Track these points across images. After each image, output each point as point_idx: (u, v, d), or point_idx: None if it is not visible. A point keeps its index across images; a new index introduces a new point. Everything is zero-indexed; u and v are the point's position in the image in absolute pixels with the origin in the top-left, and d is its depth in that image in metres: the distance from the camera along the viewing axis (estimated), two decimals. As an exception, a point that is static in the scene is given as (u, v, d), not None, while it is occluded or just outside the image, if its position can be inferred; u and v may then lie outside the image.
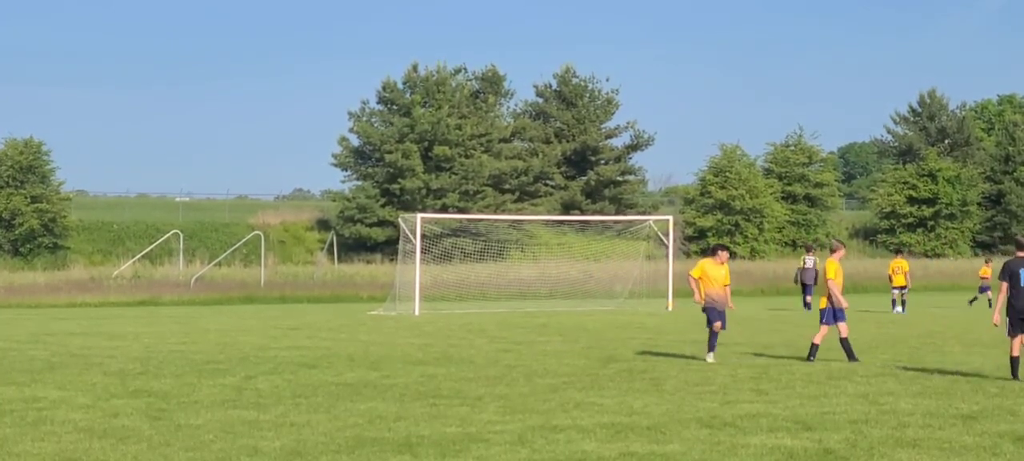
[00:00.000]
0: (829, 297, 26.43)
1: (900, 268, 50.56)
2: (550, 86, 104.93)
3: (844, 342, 26.43)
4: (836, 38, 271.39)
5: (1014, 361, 22.24)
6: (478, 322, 41.36)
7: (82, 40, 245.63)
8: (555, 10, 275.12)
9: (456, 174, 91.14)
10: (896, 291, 50.02)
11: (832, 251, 27.56)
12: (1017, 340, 22.20)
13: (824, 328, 26.59)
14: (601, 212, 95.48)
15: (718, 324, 26.50)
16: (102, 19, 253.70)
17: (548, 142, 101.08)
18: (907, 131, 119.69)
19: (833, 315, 26.45)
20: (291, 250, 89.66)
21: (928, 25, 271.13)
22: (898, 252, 56.22)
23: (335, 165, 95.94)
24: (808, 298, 50.45)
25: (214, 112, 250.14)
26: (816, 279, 50.26)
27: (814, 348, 26.60)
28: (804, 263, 51.90)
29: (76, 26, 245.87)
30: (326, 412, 18.44)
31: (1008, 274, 22.07)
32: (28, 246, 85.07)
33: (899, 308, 49.19)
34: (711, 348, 26.46)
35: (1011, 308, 22.06)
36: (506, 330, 37.07)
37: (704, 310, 26.99)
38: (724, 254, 27.39)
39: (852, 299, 63.57)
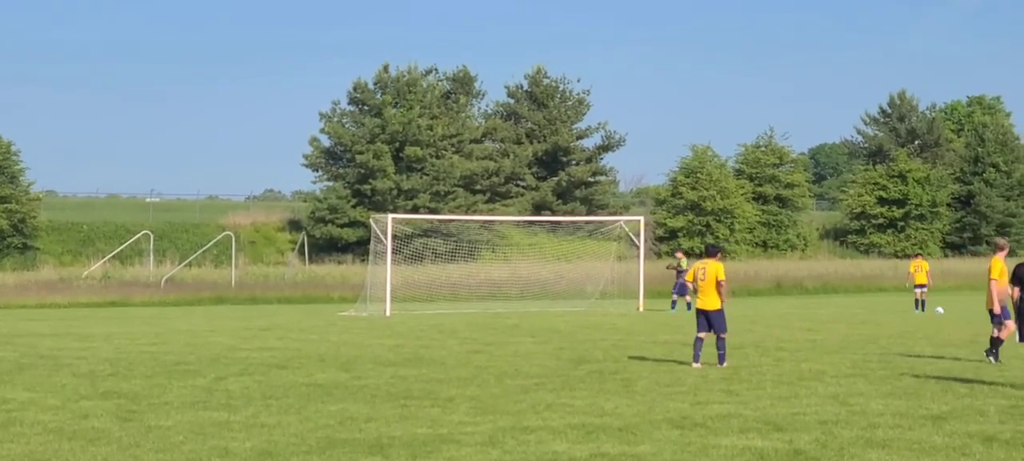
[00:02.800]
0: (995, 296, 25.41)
1: (921, 268, 50.64)
2: (521, 87, 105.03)
3: (996, 341, 25.74)
4: (806, 39, 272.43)
5: None
6: (449, 323, 41.35)
7: (52, 39, 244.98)
8: (526, 11, 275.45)
9: (427, 175, 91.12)
10: (918, 290, 50.02)
11: (998, 249, 26.23)
12: None
13: (1010, 323, 25.57)
14: (572, 213, 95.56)
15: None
16: (72, 19, 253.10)
17: (519, 143, 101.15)
18: (877, 132, 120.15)
19: (1006, 312, 25.59)
20: (262, 251, 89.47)
21: (898, 27, 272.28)
22: (918, 253, 56.06)
23: (306, 166, 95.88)
24: (688, 298, 50.33)
25: (184, 112, 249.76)
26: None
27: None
28: (683, 265, 51.54)
29: (46, 25, 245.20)
30: (297, 413, 18.41)
31: (1018, 279, 21.55)
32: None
33: (919, 309, 49.15)
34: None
35: (1019, 312, 21.45)
36: (477, 331, 37.07)
37: (721, 313, 25.77)
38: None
39: (822, 300, 63.85)
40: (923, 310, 49.05)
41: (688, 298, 50.48)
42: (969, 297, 66.29)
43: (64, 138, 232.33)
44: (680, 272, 51.16)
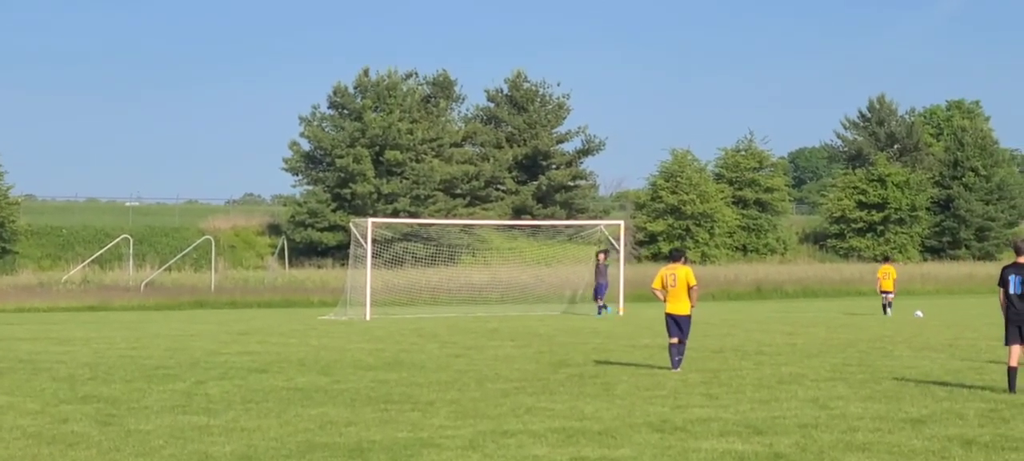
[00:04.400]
0: None
1: (888, 274, 51.40)
2: (501, 91, 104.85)
3: None
4: (786, 43, 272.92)
5: (1011, 372, 21.46)
6: (429, 327, 41.32)
7: (30, 42, 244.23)
8: (506, 15, 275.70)
9: (407, 179, 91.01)
10: (884, 296, 50.85)
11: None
12: (1015, 349, 21.39)
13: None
14: (552, 217, 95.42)
15: None
16: (50, 22, 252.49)
17: (499, 147, 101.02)
18: (857, 136, 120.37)
19: None
20: (242, 255, 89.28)
21: (877, 32, 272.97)
22: (886, 259, 56.74)
23: (286, 170, 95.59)
24: (599, 301, 50.43)
25: (164, 116, 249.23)
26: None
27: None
28: (603, 262, 51.63)
29: (23, 28, 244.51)
30: (277, 417, 18.41)
31: (1003, 281, 21.54)
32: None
33: (889, 311, 50.00)
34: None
35: (1007, 316, 21.43)
36: (457, 335, 37.06)
37: (689, 319, 25.88)
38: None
39: (802, 304, 63.97)
40: (890, 312, 49.88)
41: (599, 301, 50.54)
42: (948, 301, 66.53)
43: (43, 142, 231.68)
44: (599, 271, 51.13)
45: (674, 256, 26.38)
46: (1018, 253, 21.55)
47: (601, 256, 51.83)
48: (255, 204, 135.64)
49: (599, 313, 49.73)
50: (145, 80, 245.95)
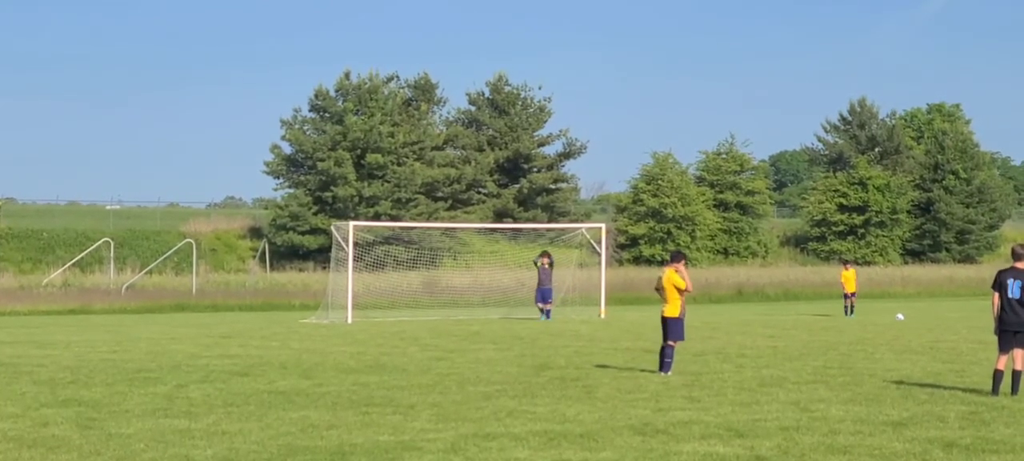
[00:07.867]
0: None
1: (849, 278, 52.78)
2: (483, 94, 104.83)
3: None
4: (767, 47, 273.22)
5: (996, 375, 21.48)
6: (411, 330, 41.28)
7: (9, 45, 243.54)
8: (488, 18, 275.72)
9: (388, 182, 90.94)
10: (847, 298, 52.15)
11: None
12: (1004, 356, 21.38)
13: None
14: (534, 220, 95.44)
15: None
16: (30, 25, 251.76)
17: (481, 150, 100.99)
18: (838, 139, 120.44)
19: None
20: (223, 258, 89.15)
21: (858, 35, 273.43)
22: (846, 263, 57.33)
23: (267, 173, 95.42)
24: (545, 306, 50.23)
25: (145, 119, 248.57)
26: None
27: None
28: (546, 264, 51.37)
29: (3, 31, 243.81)
30: (258, 420, 18.38)
31: (998, 285, 21.49)
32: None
33: (849, 314, 51.07)
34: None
35: (1000, 321, 21.39)
36: (439, 338, 37.03)
37: (681, 320, 25.61)
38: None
39: (783, 307, 64.04)
40: (851, 314, 51.52)
41: (547, 305, 50.33)
42: (929, 304, 66.65)
43: (24, 145, 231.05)
44: (543, 274, 50.89)
45: (672, 258, 26.32)
46: (1016, 259, 21.47)
47: (544, 260, 51.54)
48: (236, 207, 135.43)
49: (548, 316, 49.54)
50: (126, 83, 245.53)
